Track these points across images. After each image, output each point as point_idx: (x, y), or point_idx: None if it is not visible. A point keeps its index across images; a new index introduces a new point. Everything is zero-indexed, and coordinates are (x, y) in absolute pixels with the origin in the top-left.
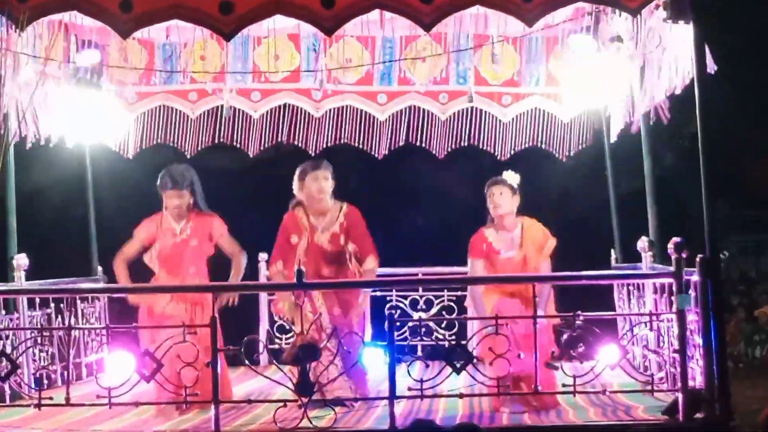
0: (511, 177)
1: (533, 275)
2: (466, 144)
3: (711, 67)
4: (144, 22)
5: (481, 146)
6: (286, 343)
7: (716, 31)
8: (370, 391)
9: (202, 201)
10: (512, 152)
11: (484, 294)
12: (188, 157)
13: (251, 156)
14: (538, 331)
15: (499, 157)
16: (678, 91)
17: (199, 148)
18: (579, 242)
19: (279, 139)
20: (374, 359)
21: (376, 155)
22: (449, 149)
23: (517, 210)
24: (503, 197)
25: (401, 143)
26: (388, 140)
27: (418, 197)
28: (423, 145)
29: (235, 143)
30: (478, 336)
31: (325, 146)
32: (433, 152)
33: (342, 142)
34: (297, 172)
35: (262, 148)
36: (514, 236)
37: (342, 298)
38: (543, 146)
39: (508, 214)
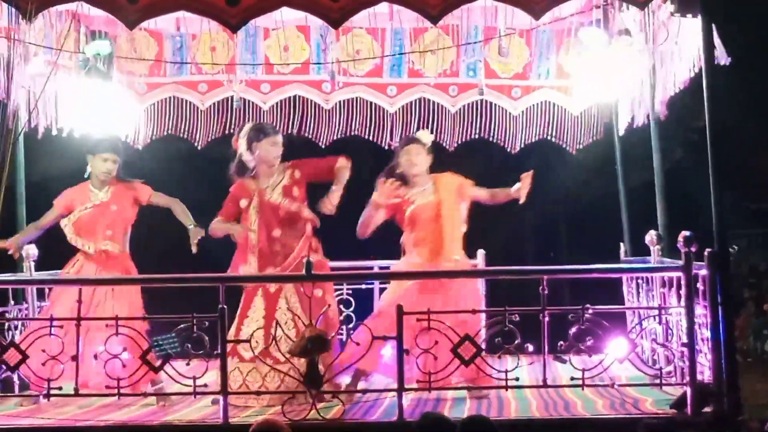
0: (426, 136)
1: (544, 268)
2: (476, 136)
3: (725, 59)
4: (150, 13)
5: (491, 139)
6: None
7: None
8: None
9: (123, 173)
10: (522, 145)
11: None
12: (199, 148)
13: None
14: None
15: (509, 150)
16: (685, 85)
17: (210, 139)
18: (588, 235)
19: (290, 131)
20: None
21: (387, 147)
22: (459, 141)
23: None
24: (419, 157)
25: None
26: (399, 132)
27: None
28: (437, 139)
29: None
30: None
31: (336, 138)
32: (443, 144)
33: (353, 134)
34: (248, 132)
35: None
36: (426, 188)
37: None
38: (553, 139)
39: (423, 174)
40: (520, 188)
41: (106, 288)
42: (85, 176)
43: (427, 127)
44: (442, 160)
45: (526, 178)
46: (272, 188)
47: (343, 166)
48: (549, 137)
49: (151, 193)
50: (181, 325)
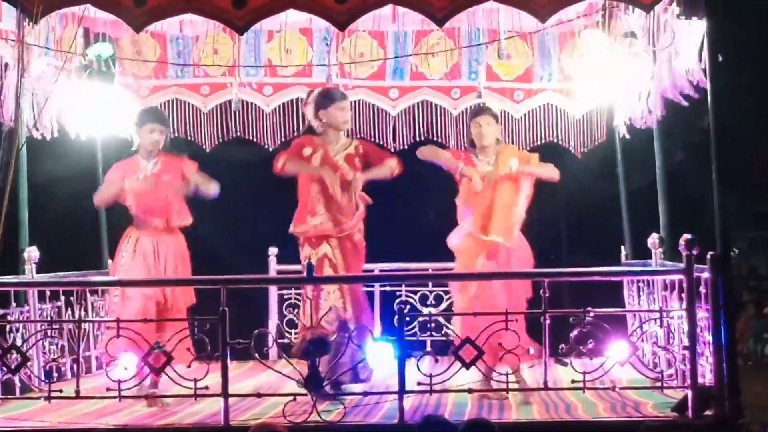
0: (494, 104)
1: (545, 271)
2: None
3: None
4: (157, 16)
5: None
6: (295, 337)
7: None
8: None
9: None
10: (527, 148)
11: (465, 240)
12: (207, 151)
13: (270, 150)
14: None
15: None
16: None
17: (215, 143)
18: (589, 238)
19: (294, 134)
20: (383, 354)
21: (390, 149)
22: (463, 145)
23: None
24: (490, 127)
25: (415, 138)
26: (402, 135)
27: (430, 192)
28: (439, 140)
29: (249, 137)
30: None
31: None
32: (447, 147)
33: (357, 136)
34: (316, 98)
35: (278, 142)
36: (489, 160)
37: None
38: (560, 142)
39: (492, 145)
40: None
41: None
42: (132, 149)
43: (430, 130)
44: None
45: None
46: (337, 152)
47: (391, 165)
48: (553, 140)
49: (194, 171)
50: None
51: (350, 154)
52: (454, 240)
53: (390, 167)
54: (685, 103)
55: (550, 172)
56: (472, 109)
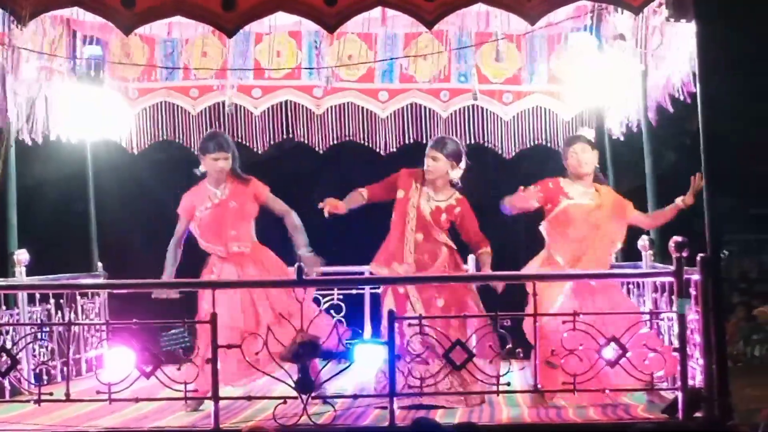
0: (589, 132)
1: (534, 273)
2: (472, 142)
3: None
4: (146, 19)
5: (486, 144)
6: None
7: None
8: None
9: (238, 167)
10: (517, 151)
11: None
12: (196, 153)
13: (260, 153)
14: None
15: (504, 156)
16: (679, 91)
17: None
18: None
19: (285, 137)
20: (373, 356)
21: (381, 152)
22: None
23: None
24: (588, 155)
25: (406, 141)
26: (393, 138)
27: None
28: (427, 142)
29: (238, 140)
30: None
31: (330, 144)
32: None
33: (347, 139)
34: (441, 145)
35: (267, 145)
36: (588, 191)
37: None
38: (549, 144)
39: (590, 173)
40: (688, 195)
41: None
42: (199, 174)
43: (419, 133)
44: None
45: (696, 181)
46: (428, 200)
47: (486, 252)
48: (543, 143)
49: (268, 195)
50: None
51: (439, 208)
52: (533, 268)
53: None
54: (671, 109)
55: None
56: (567, 137)
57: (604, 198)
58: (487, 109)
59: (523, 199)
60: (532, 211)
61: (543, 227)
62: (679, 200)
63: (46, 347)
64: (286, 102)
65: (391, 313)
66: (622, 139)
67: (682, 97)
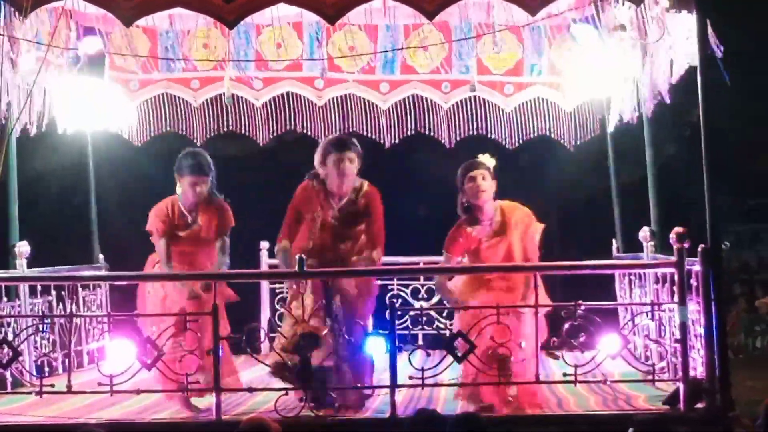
0: (488, 160)
1: (533, 265)
2: (473, 133)
3: (718, 52)
4: (146, 10)
5: (488, 136)
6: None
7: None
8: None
9: (214, 188)
10: (520, 142)
11: (466, 285)
12: (198, 144)
13: (261, 144)
14: (527, 321)
15: (508, 147)
16: (676, 80)
17: (207, 137)
18: (580, 232)
19: (287, 128)
20: (375, 348)
21: (385, 144)
22: (457, 139)
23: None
24: (486, 182)
25: (407, 133)
26: (394, 129)
27: (423, 186)
28: (432, 134)
29: (242, 131)
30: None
31: (332, 135)
32: (442, 142)
33: (349, 130)
34: (321, 148)
35: (270, 136)
36: (493, 222)
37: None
38: (553, 135)
39: (490, 201)
40: None
41: None
42: (176, 191)
43: (420, 124)
44: (438, 157)
45: None
46: (338, 209)
47: (368, 258)
48: (545, 133)
49: (227, 232)
50: None
51: (351, 212)
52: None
53: (373, 259)
54: (668, 101)
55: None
56: (463, 166)
57: (507, 219)
58: (488, 101)
59: (443, 286)
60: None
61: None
62: None
63: (48, 339)
64: (287, 93)
65: (392, 304)
66: (622, 130)
67: (681, 88)
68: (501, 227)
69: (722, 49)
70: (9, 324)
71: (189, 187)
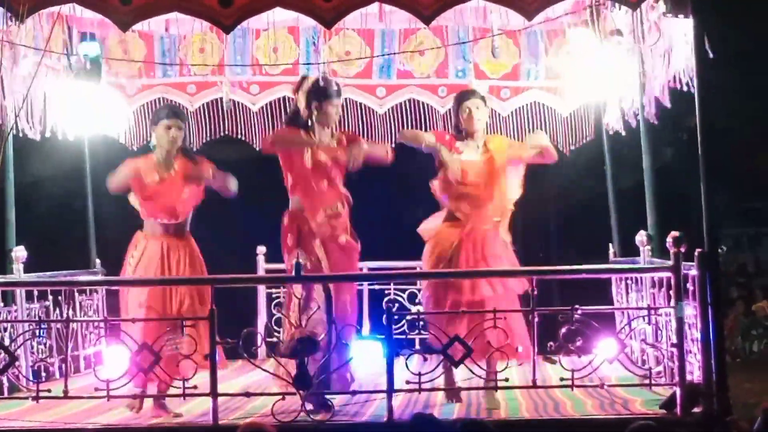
0: (481, 87)
1: (533, 269)
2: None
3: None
4: (144, 15)
5: None
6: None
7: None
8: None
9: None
10: None
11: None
12: (195, 149)
13: (258, 149)
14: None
15: None
16: (673, 84)
17: (203, 141)
18: (577, 236)
19: None
20: (372, 353)
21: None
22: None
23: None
24: (479, 111)
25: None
26: (389, 133)
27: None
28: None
29: (239, 136)
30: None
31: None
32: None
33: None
34: (310, 89)
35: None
36: (478, 144)
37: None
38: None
39: (481, 129)
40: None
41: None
42: (150, 146)
43: (417, 129)
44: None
45: None
46: (322, 148)
47: (386, 147)
48: None
49: (213, 169)
50: None
51: (333, 148)
52: (427, 224)
53: (385, 148)
54: (668, 105)
55: (549, 146)
56: (458, 93)
57: (495, 148)
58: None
59: (418, 138)
60: (422, 151)
61: (435, 185)
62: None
63: (45, 344)
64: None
65: (389, 309)
66: (619, 134)
67: (679, 93)
68: (485, 152)
69: (711, 55)
70: (5, 329)
71: (164, 132)
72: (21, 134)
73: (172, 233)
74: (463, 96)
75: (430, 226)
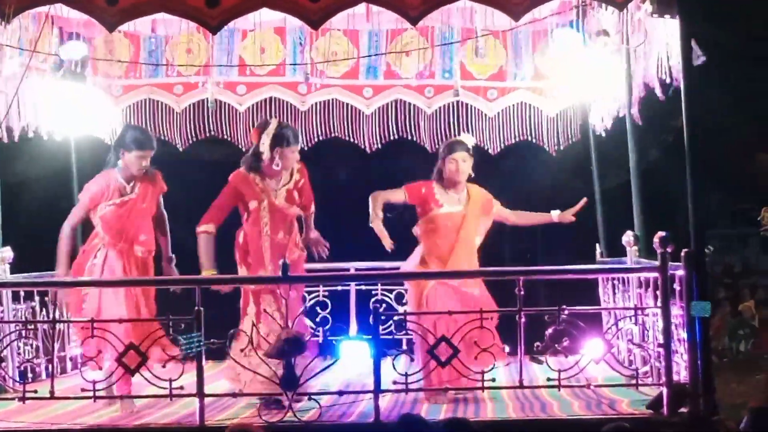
0: (469, 139)
1: (519, 269)
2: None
3: (700, 59)
4: (130, 15)
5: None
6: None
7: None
8: None
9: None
10: (502, 147)
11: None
12: (181, 150)
13: (244, 150)
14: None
15: (489, 151)
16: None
17: (190, 142)
18: (564, 237)
19: None
20: (359, 353)
21: (366, 149)
22: (438, 143)
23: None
24: (465, 164)
25: (390, 138)
26: (377, 134)
27: None
28: (414, 139)
29: (225, 137)
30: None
31: (315, 140)
32: (425, 146)
33: (332, 135)
34: (275, 133)
35: (252, 142)
36: (460, 197)
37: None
38: (534, 140)
39: (464, 181)
40: (566, 214)
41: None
42: (114, 166)
43: (404, 129)
44: (421, 162)
45: (580, 204)
46: (278, 192)
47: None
48: (528, 138)
49: (163, 191)
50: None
51: (290, 190)
52: (409, 266)
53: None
54: (654, 105)
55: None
56: (447, 144)
57: (473, 199)
58: (471, 106)
59: (390, 193)
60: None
61: (415, 230)
62: (554, 214)
63: (31, 345)
64: (270, 99)
65: (376, 309)
66: (606, 134)
67: (665, 94)
68: (466, 202)
69: (703, 59)
70: None
71: (135, 160)
72: (7, 134)
73: (135, 259)
74: (453, 147)
75: (409, 267)
